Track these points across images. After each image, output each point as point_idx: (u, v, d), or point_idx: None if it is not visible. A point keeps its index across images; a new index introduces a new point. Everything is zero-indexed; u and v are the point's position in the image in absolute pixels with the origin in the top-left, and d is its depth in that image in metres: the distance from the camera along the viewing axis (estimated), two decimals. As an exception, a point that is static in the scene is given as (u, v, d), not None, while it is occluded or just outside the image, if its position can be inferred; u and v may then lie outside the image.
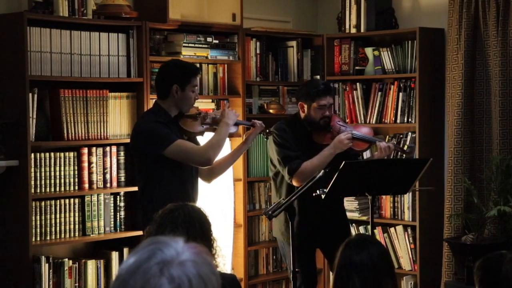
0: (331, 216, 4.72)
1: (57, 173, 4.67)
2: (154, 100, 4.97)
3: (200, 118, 4.28)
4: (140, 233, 4.39)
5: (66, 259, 4.72)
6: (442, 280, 5.57)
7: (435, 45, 5.81)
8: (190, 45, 5.23)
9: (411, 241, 5.73)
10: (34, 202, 4.56)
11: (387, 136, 5.88)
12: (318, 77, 6.03)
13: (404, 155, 5.14)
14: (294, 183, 4.55)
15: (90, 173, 4.81)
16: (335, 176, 4.17)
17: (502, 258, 2.92)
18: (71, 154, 4.73)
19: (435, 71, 5.79)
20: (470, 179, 5.41)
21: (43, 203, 4.61)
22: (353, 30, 6.02)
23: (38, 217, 4.59)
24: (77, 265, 4.75)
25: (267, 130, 4.53)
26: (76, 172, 4.75)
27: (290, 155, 4.60)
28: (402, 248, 5.77)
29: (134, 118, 4.96)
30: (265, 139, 5.25)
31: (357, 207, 5.86)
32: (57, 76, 4.67)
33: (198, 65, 5.37)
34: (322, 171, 3.92)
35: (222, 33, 5.49)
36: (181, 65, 4.32)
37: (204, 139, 4.40)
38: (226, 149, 4.78)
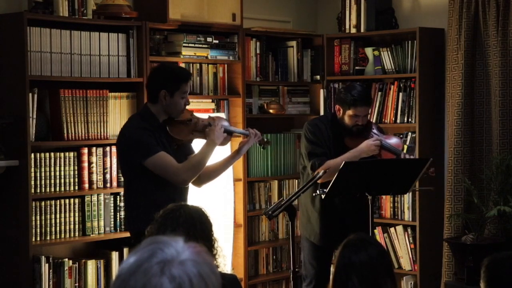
0: (358, 220, 4.60)
1: (57, 173, 4.67)
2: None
3: (191, 124, 4.14)
4: (127, 234, 4.32)
5: (66, 259, 4.72)
6: (442, 280, 5.57)
7: (435, 45, 5.81)
8: (190, 45, 5.23)
9: (411, 241, 5.72)
10: (34, 202, 4.56)
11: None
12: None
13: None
14: None
15: (90, 173, 4.81)
16: (335, 176, 4.17)
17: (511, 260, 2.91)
18: (71, 154, 4.73)
19: (435, 71, 5.79)
20: (470, 179, 5.41)
21: (43, 203, 4.61)
22: (353, 30, 6.02)
23: (38, 217, 4.59)
24: (77, 265, 4.75)
25: (265, 140, 4.38)
26: (76, 172, 4.75)
27: (317, 151, 4.62)
28: (402, 248, 5.76)
29: (134, 118, 4.96)
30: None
31: (357, 207, 5.86)
32: (57, 76, 4.67)
33: (198, 66, 5.40)
34: (323, 171, 3.92)
35: (222, 33, 5.49)
36: (171, 70, 4.16)
37: (194, 144, 4.27)
38: (227, 151, 4.76)
